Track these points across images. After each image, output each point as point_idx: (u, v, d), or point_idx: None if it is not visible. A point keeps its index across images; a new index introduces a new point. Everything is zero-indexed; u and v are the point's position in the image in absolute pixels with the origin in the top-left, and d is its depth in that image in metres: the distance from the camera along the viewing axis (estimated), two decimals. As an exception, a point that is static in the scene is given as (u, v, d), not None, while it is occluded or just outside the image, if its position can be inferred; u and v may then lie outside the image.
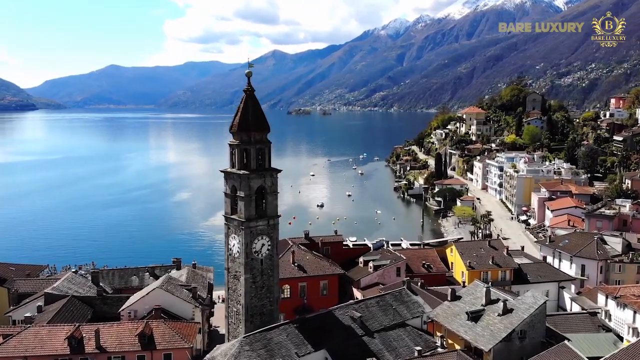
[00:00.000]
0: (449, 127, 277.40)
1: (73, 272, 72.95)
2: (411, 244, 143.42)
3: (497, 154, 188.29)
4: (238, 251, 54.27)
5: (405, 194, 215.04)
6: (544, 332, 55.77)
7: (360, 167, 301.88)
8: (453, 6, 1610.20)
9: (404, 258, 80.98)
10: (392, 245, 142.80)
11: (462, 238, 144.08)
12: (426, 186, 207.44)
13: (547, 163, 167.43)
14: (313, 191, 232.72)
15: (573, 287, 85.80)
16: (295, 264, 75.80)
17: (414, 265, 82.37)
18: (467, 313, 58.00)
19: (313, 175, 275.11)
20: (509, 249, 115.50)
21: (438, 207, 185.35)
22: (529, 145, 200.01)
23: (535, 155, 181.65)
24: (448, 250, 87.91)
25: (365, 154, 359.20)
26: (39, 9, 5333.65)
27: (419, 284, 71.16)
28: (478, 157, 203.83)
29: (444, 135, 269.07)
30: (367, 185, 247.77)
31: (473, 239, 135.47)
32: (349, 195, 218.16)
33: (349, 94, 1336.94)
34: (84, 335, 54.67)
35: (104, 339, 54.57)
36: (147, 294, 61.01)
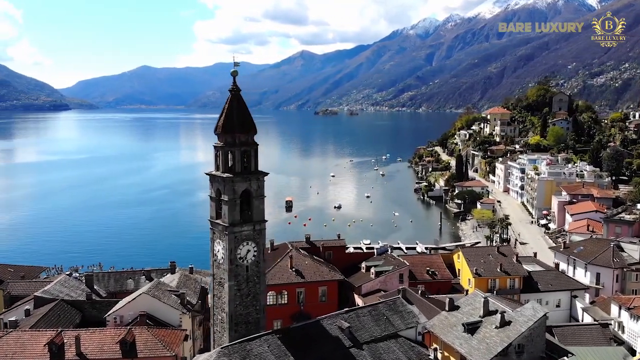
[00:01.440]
0: (473, 127, 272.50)
1: (67, 274, 71.91)
2: (426, 248, 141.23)
3: (519, 156, 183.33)
4: (222, 257, 52.27)
5: (425, 195, 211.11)
6: (543, 346, 52.55)
7: (382, 168, 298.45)
8: (483, 5, 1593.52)
9: (407, 264, 77.97)
10: (407, 248, 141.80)
11: (479, 242, 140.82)
12: (446, 188, 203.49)
13: (570, 165, 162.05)
14: (332, 192, 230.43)
15: (587, 296, 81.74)
16: (293, 269, 73.53)
17: (417, 272, 79.46)
18: (463, 324, 55.09)
19: (333, 176, 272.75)
20: (520, 255, 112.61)
21: (458, 210, 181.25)
22: (554, 146, 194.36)
23: (559, 157, 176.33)
24: (455, 257, 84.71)
25: (388, 154, 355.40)
26: (73, 11, 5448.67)
27: (420, 291, 68.48)
28: (500, 159, 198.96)
29: (467, 136, 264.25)
30: (387, 187, 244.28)
31: (489, 244, 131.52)
32: (368, 197, 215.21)
33: (377, 94, 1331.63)
34: (65, 341, 53.17)
35: (85, 345, 52.97)
36: (133, 300, 59.47)
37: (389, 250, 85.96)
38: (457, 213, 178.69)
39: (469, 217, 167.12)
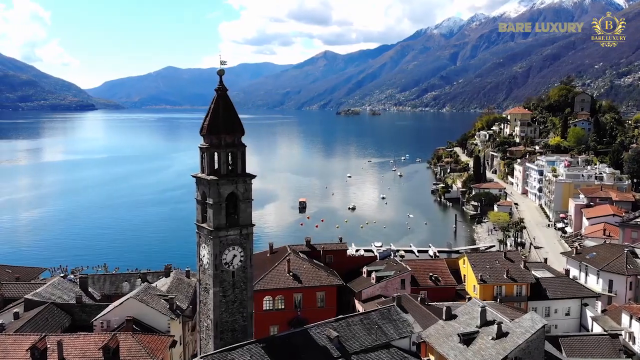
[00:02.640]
0: (493, 128, 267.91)
1: (61, 276, 71.00)
2: (439, 251, 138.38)
3: (538, 157, 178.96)
4: (207, 262, 50.67)
5: (442, 197, 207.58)
6: (541, 359, 49.85)
7: (401, 168, 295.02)
8: (509, 4, 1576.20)
9: (409, 269, 75.52)
10: (419, 251, 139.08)
11: (493, 246, 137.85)
12: (464, 190, 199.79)
13: (589, 167, 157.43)
14: (347, 193, 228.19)
15: (600, 304, 78.59)
16: (291, 273, 71.65)
17: (420, 277, 77.07)
18: (459, 335, 52.76)
19: (350, 176, 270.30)
20: (532, 260, 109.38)
21: (474, 212, 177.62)
22: (574, 148, 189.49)
23: (579, 159, 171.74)
24: (461, 262, 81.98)
25: (407, 155, 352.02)
26: (100, 13, 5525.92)
27: (419, 298, 66.11)
28: (519, 160, 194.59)
29: (487, 136, 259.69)
30: (404, 188, 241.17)
31: (503, 248, 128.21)
32: (383, 198, 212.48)
33: (400, 94, 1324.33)
34: (48, 346, 51.94)
35: (67, 350, 51.63)
36: (120, 304, 58.19)
37: (392, 255, 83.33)
38: (474, 215, 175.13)
39: (485, 220, 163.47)
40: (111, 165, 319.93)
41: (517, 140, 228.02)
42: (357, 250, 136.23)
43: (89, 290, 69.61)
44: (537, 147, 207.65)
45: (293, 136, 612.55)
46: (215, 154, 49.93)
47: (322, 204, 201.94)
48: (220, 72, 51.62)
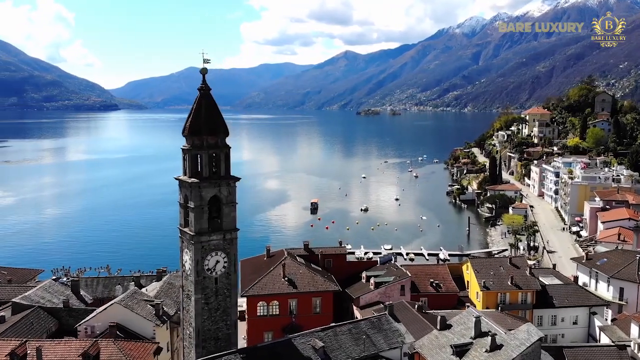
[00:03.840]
0: (512, 128, 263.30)
1: (53, 279, 69.96)
2: (450, 254, 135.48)
3: (555, 159, 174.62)
4: (189, 268, 49.10)
5: (457, 199, 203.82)
6: (537, 373, 47.23)
7: (417, 169, 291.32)
8: (532, 3, 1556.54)
9: (409, 275, 73.03)
10: (430, 254, 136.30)
11: (506, 250, 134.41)
12: (479, 191, 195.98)
13: (606, 169, 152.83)
14: (360, 194, 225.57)
15: (610, 312, 75.34)
16: (286, 278, 69.66)
17: (420, 284, 74.46)
18: (451, 346, 50.29)
19: (364, 177, 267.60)
20: (543, 265, 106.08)
21: (489, 215, 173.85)
22: (593, 149, 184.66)
23: (597, 161, 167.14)
24: (464, 268, 79.14)
25: (425, 155, 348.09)
26: (123, 14, 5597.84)
27: (417, 306, 63.58)
28: (535, 162, 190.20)
29: (505, 137, 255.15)
30: (419, 189, 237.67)
31: (514, 252, 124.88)
32: (397, 199, 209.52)
33: (421, 94, 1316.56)
34: (28, 352, 50.75)
35: (47, 357, 50.31)
36: (104, 309, 56.78)
37: (393, 260, 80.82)
38: (488, 218, 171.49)
39: (499, 223, 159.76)
40: (129, 165, 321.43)
41: (536, 141, 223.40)
42: (365, 253, 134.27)
43: (81, 293, 68.47)
44: (555, 148, 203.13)
45: (311, 136, 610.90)
46: (196, 155, 48.53)
47: (334, 205, 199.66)
48: (203, 71, 49.97)
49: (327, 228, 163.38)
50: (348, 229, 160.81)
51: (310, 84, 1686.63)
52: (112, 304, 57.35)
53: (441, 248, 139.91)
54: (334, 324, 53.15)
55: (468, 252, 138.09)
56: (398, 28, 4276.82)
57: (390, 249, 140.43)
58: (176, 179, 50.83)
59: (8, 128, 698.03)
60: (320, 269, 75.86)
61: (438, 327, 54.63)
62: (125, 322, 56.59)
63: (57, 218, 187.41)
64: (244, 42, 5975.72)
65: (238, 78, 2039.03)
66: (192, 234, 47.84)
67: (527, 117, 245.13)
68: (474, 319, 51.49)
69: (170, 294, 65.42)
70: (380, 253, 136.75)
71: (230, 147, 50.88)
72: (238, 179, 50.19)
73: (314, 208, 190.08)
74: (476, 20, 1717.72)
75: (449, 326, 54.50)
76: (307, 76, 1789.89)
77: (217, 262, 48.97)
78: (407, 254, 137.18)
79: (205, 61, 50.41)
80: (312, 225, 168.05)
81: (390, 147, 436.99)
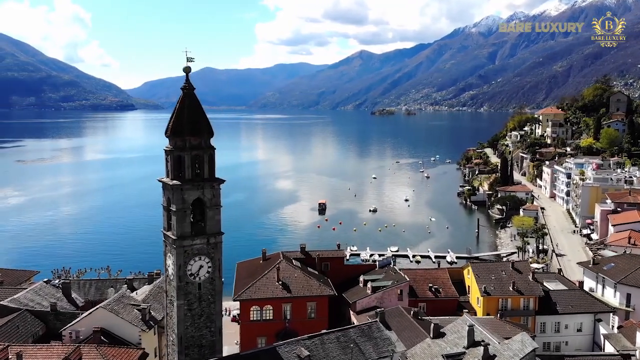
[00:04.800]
0: (525, 128, 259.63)
1: (44, 281, 68.92)
2: (457, 257, 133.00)
3: (566, 160, 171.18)
4: (172, 273, 47.59)
5: (468, 200, 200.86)
6: (531, 386, 45.16)
7: (429, 170, 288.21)
8: (549, 2, 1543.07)
9: (407, 279, 71.08)
10: (437, 257, 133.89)
11: (515, 253, 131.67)
12: (490, 192, 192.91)
13: (619, 170, 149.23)
14: (370, 195, 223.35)
15: (616, 319, 72.79)
16: (280, 282, 68.07)
17: (419, 288, 72.55)
18: (443, 356, 48.46)
19: (375, 177, 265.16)
20: (552, 268, 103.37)
21: (500, 216, 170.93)
22: (607, 150, 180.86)
23: (610, 162, 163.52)
24: (465, 272, 76.95)
25: (437, 156, 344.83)
26: (139, 14, 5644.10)
27: (412, 312, 61.68)
28: (547, 162, 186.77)
29: (519, 137, 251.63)
30: (429, 190, 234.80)
31: (522, 256, 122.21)
32: (406, 200, 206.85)
33: (436, 94, 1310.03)
34: (10, 357, 49.67)
35: (27, 362, 49.28)
36: (89, 314, 55.59)
37: (392, 263, 78.81)
38: (498, 220, 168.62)
39: (509, 225, 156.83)
40: (140, 165, 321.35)
41: (549, 141, 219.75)
42: (371, 255, 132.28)
43: (72, 296, 67.41)
44: (568, 149, 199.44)
45: (325, 136, 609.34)
46: (179, 157, 47.08)
47: (342, 206, 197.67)
48: (187, 70, 48.45)
49: (334, 229, 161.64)
50: (355, 230, 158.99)
51: (325, 83, 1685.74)
52: (97, 309, 56.17)
53: (449, 250, 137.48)
54: (321, 332, 51.37)
55: (476, 255, 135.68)
56: (413, 27, 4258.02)
57: (397, 251, 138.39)
58: (159, 180, 49.35)
59: (26, 128, 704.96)
60: (317, 272, 74.30)
61: (431, 335, 52.85)
62: (110, 327, 55.44)
63: (64, 217, 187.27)
64: (258, 43, 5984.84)
65: (253, 78, 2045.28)
66: (174, 237, 46.38)
67: (541, 117, 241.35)
68: (467, 328, 49.60)
69: (159, 298, 63.96)
70: (385, 255, 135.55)
71: (214, 148, 49.35)
72: (222, 181, 48.60)
73: (321, 209, 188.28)
74: (492, 20, 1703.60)
75: (443, 334, 52.71)
76: (322, 76, 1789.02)
77: (201, 267, 47.41)
78: (414, 256, 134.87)
79: (189, 60, 49.00)
80: (318, 227, 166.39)
81: (404, 148, 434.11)
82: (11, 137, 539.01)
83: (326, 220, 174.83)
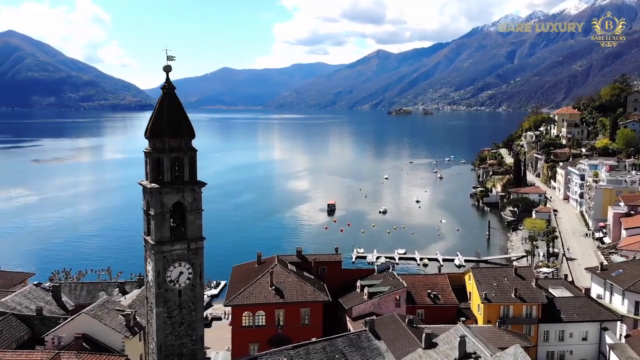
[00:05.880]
0: (540, 128, 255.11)
1: (34, 284, 67.87)
2: (466, 260, 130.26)
3: (580, 161, 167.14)
4: (152, 279, 45.99)
5: (480, 201, 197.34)
6: (523, 402, 42.78)
7: (442, 170, 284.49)
8: (569, 1, 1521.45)
9: (405, 285, 68.85)
10: (444, 260, 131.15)
11: (525, 256, 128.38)
12: (503, 194, 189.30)
13: (634, 172, 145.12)
14: (381, 196, 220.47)
15: (624, 328, 69.96)
16: (273, 287, 66.26)
17: (417, 294, 70.27)
18: (433, 368, 46.20)
19: (387, 178, 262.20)
20: (562, 273, 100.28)
21: (512, 218, 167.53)
22: (622, 150, 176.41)
23: (626, 163, 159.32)
24: (467, 277, 74.47)
25: (452, 156, 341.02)
26: (158, 15, 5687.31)
27: (407, 320, 59.35)
28: (561, 164, 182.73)
29: (534, 137, 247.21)
30: (442, 191, 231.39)
31: (530, 259, 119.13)
32: (417, 202, 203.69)
33: (454, 93, 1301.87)
34: (-12, 363, 48.51)
35: (6, 369, 48.08)
36: (72, 319, 54.26)
37: (390, 268, 76.52)
38: (510, 222, 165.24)
39: (521, 227, 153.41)
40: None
41: (564, 142, 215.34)
42: (377, 258, 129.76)
43: (62, 299, 66.27)
44: (583, 150, 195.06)
45: (340, 136, 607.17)
46: (157, 159, 45.50)
47: (352, 207, 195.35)
48: (167, 69, 46.66)
49: (341, 231, 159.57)
50: (363, 232, 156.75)
51: (342, 83, 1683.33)
52: (79, 314, 54.85)
53: (457, 253, 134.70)
54: (306, 341, 49.48)
55: (485, 258, 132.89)
56: (431, 27, 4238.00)
57: (404, 254, 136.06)
58: (139, 184, 47.78)
59: (45, 127, 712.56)
60: (312, 277, 72.41)
61: (423, 345, 50.63)
62: (93, 332, 54.17)
63: (72, 218, 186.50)
64: (276, 43, 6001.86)
65: (270, 78, 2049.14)
66: (152, 243, 44.76)
67: (556, 118, 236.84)
68: (458, 339, 47.32)
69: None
70: (393, 258, 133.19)
71: (196, 150, 47.75)
72: (204, 184, 46.92)
73: (330, 210, 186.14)
74: (511, 19, 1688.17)
75: (435, 345, 50.44)
76: (339, 76, 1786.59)
77: (181, 273, 45.77)
78: (421, 259, 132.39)
79: (169, 58, 47.17)
80: (326, 228, 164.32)
81: (419, 148, 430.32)
82: (31, 137, 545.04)
83: (334, 221, 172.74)
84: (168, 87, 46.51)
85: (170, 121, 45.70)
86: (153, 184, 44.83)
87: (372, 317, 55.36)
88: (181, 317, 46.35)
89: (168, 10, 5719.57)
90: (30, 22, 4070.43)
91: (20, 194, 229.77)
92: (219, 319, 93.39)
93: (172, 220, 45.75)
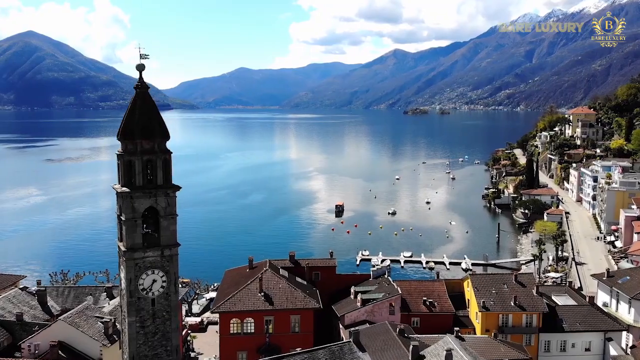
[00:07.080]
0: (555, 129, 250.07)
1: (20, 288, 66.54)
2: (473, 264, 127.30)
3: (593, 162, 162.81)
4: (124, 287, 44.10)
5: (492, 203, 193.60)
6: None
7: (456, 171, 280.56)
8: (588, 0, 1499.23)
9: (399, 292, 66.36)
10: (451, 263, 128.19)
11: (533, 260, 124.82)
12: (515, 195, 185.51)
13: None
14: (391, 196, 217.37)
15: (630, 338, 66.78)
16: (262, 293, 64.17)
17: (412, 302, 67.72)
18: (417, 383, 43.81)
19: (398, 178, 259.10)
20: (571, 277, 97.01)
21: (523, 220, 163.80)
22: (638, 151, 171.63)
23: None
24: (465, 284, 71.74)
25: (466, 156, 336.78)
26: (176, 15, 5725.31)
27: (398, 329, 56.88)
28: (574, 165, 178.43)
29: (548, 138, 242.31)
30: (454, 192, 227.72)
31: (538, 264, 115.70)
32: (427, 203, 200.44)
33: (472, 93, 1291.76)
34: (-40, 372, 47.11)
35: (-24, 378, 46.61)
36: (49, 326, 52.65)
37: (386, 273, 73.93)
38: (521, 224, 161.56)
39: (532, 230, 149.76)
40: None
41: (578, 142, 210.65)
42: (382, 261, 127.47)
43: (48, 304, 64.77)
44: (597, 150, 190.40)
45: (355, 136, 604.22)
46: (129, 162, 43.56)
47: (361, 208, 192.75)
48: (140, 67, 44.51)
49: (348, 232, 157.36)
50: (370, 234, 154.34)
51: (358, 83, 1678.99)
52: (56, 321, 53.24)
53: (465, 256, 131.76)
54: (285, 354, 47.25)
55: (493, 262, 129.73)
56: (449, 26, 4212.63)
57: (410, 257, 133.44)
58: (113, 187, 45.88)
59: (64, 127, 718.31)
60: (305, 282, 70.21)
61: (410, 357, 48.25)
62: (70, 340, 52.51)
63: (75, 218, 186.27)
64: (292, 42, 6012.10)
65: (287, 78, 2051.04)
66: (124, 249, 42.83)
67: (571, 117, 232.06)
68: (444, 352, 44.86)
69: (130, 308, 60.83)
70: (398, 261, 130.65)
71: (171, 153, 45.53)
72: (178, 188, 44.75)
73: (338, 211, 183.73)
74: (530, 17, 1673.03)
75: (422, 357, 48.08)
76: (355, 75, 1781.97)
77: (154, 281, 43.59)
78: (427, 262, 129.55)
79: (143, 57, 45.05)
80: (333, 229, 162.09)
81: (433, 148, 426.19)
82: (48, 137, 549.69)
83: (342, 222, 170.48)
84: (141, 87, 44.32)
85: (142, 122, 43.55)
86: (124, 188, 42.87)
87: (357, 328, 52.99)
88: (155, 326, 44.23)
89: (187, 11, 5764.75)
90: (50, 22, 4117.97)
91: (28, 194, 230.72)
92: (215, 323, 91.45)
93: (144, 226, 43.82)
